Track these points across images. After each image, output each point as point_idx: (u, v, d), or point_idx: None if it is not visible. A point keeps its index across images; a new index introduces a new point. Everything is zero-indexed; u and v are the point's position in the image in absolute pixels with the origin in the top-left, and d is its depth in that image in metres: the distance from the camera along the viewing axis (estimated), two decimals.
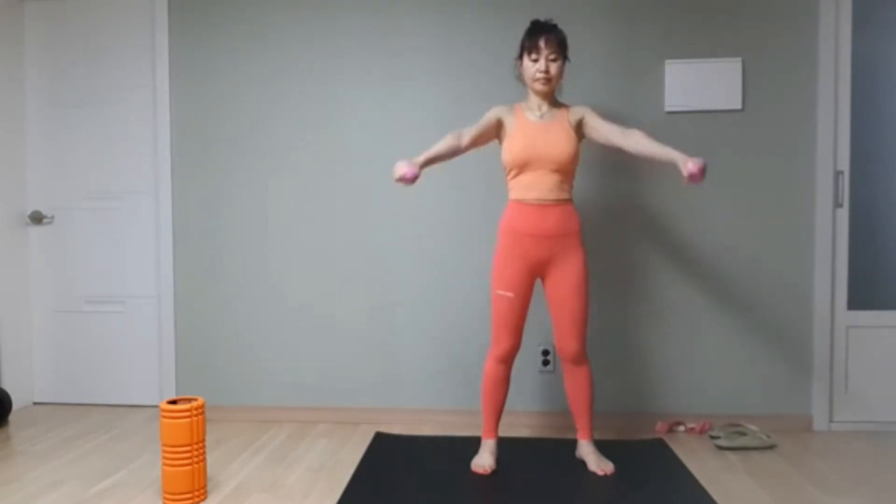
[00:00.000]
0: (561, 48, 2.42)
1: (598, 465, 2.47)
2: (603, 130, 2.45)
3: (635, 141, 2.37)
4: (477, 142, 2.49)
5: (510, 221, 2.47)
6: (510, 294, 2.45)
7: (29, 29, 3.42)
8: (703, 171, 2.19)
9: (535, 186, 2.43)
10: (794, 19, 2.97)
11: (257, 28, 3.18)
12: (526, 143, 2.41)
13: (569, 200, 2.48)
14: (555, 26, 2.44)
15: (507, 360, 2.53)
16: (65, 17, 3.39)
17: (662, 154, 2.31)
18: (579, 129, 2.49)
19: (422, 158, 2.37)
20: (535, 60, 2.41)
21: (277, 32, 3.17)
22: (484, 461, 2.50)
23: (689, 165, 2.19)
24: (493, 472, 2.48)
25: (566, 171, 2.45)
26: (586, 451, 2.53)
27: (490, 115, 2.51)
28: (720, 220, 3.01)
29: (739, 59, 2.96)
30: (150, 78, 3.33)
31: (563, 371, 2.55)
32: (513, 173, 2.47)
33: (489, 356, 2.54)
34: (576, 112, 2.49)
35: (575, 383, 2.52)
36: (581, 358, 2.49)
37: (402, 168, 2.30)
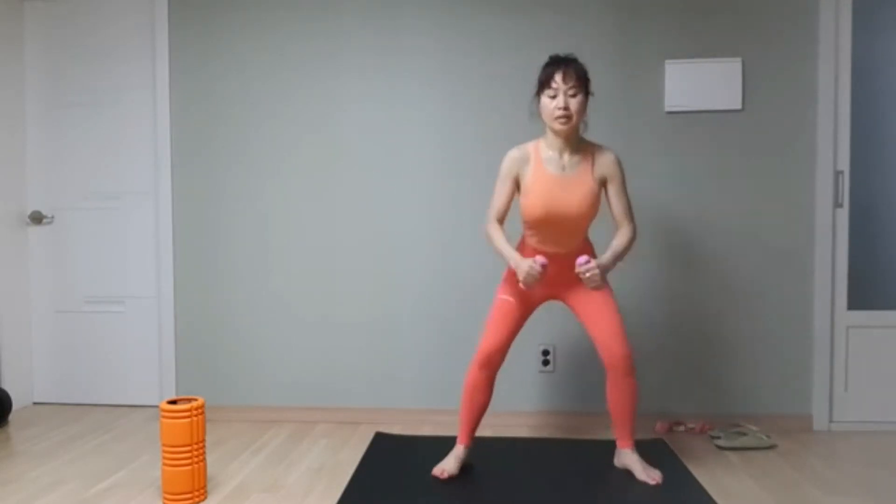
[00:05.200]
0: (581, 82, 2.22)
1: (647, 473, 2.36)
2: (614, 208, 2.36)
3: (621, 234, 2.36)
4: (507, 211, 2.39)
5: (524, 252, 2.43)
6: (512, 299, 2.41)
7: (29, 29, 3.42)
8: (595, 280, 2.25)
9: (550, 241, 2.36)
10: (794, 19, 2.96)
11: (257, 28, 3.18)
12: (544, 203, 2.27)
13: (584, 240, 2.43)
14: (574, 59, 2.25)
15: (489, 366, 2.42)
16: (65, 18, 3.39)
17: (610, 256, 2.31)
18: (604, 179, 2.33)
19: (514, 256, 2.28)
20: (553, 97, 2.22)
21: (277, 32, 3.17)
22: (445, 465, 2.44)
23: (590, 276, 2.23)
24: (492, 473, 2.47)
25: (584, 226, 2.34)
26: (631, 460, 2.41)
27: (506, 174, 2.34)
28: (720, 220, 3.01)
29: (739, 59, 2.96)
30: (150, 78, 3.33)
31: (607, 380, 2.40)
32: (528, 225, 2.37)
33: (472, 361, 2.45)
34: (602, 161, 2.32)
35: (621, 394, 2.37)
36: (630, 364, 2.34)
37: (535, 268, 2.21)
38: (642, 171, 3.03)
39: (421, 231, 3.13)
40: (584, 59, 3.01)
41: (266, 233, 3.21)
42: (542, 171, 2.30)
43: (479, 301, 3.11)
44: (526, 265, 2.20)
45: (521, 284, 2.24)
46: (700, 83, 2.97)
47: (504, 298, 2.42)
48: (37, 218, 3.43)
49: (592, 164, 2.32)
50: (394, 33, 3.12)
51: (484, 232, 2.32)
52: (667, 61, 2.99)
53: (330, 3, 3.15)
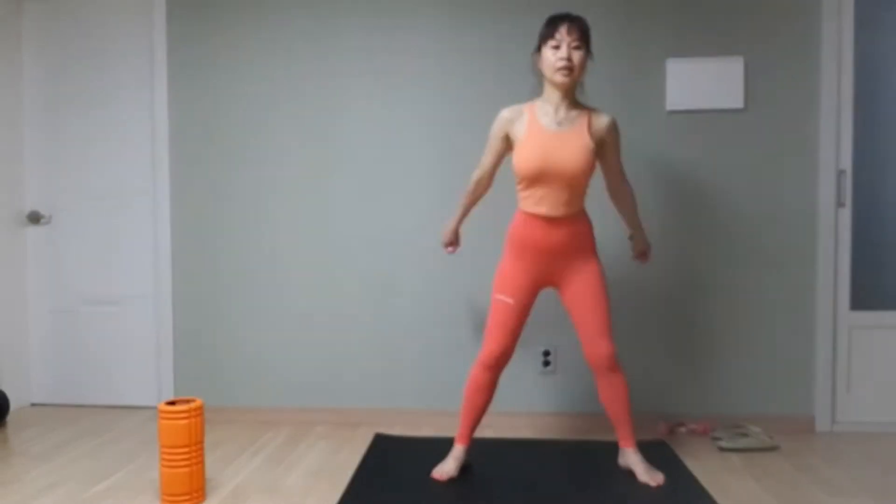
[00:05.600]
0: (584, 37, 2.21)
1: (649, 475, 2.35)
2: (611, 168, 2.39)
3: (622, 196, 2.46)
4: (496, 170, 2.43)
5: (518, 232, 2.36)
6: (510, 300, 2.37)
7: (27, 29, 3.41)
8: (648, 255, 2.58)
9: (546, 201, 2.28)
10: (797, 18, 2.95)
11: (256, 28, 3.17)
12: (538, 156, 2.23)
13: (581, 212, 2.36)
14: (578, 16, 2.24)
15: (495, 367, 2.39)
16: (63, 17, 3.37)
17: (633, 224, 2.52)
18: (599, 141, 2.31)
19: (455, 224, 2.54)
20: (556, 48, 2.19)
21: (276, 31, 3.16)
22: (445, 467, 2.43)
23: (639, 252, 2.55)
24: (493, 474, 2.45)
25: (580, 185, 2.28)
26: (634, 461, 2.39)
27: (495, 134, 2.36)
28: (721, 219, 3.00)
29: (741, 57, 2.95)
30: (148, 77, 3.31)
31: (596, 381, 2.39)
32: (523, 185, 2.32)
33: (477, 360, 2.42)
34: (600, 123, 2.30)
35: (612, 391, 2.37)
36: (614, 362, 2.34)
37: (447, 247, 2.62)
38: (643, 170, 3.01)
39: (421, 231, 3.12)
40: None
41: (265, 233, 3.19)
42: (537, 124, 2.27)
43: (480, 301, 3.09)
44: (446, 235, 2.56)
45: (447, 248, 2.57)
46: (702, 82, 2.96)
47: (500, 299, 2.38)
48: (34, 218, 3.41)
49: (589, 124, 2.29)
50: (393, 33, 3.11)
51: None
52: (668, 60, 2.97)
53: (329, 3, 3.13)
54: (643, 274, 3.03)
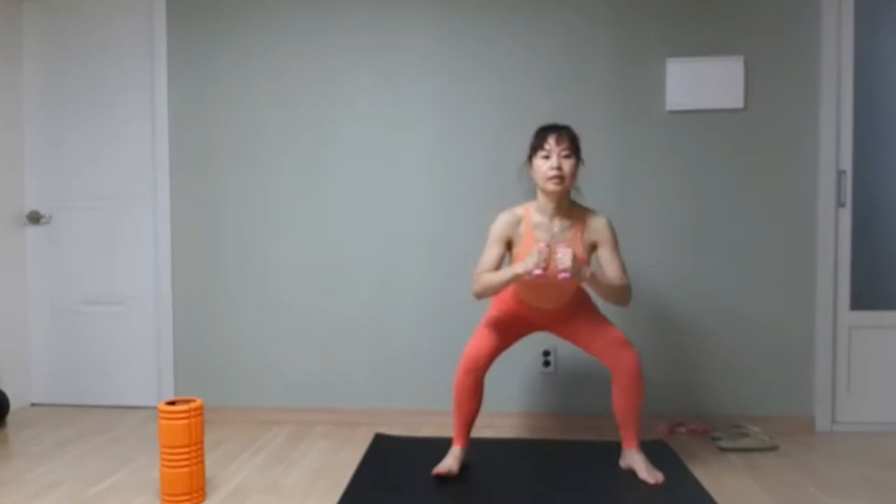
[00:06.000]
0: (573, 146, 2.26)
1: (649, 473, 2.36)
2: (607, 270, 2.30)
3: (612, 291, 2.27)
4: (501, 265, 2.34)
5: (511, 308, 2.46)
6: (502, 317, 2.47)
7: (27, 28, 3.40)
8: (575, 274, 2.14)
9: (541, 300, 2.39)
10: (797, 17, 2.95)
11: (255, 28, 3.17)
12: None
13: (578, 291, 2.45)
14: (566, 126, 2.29)
15: (474, 370, 2.40)
16: (63, 17, 3.37)
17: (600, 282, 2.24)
18: (595, 244, 2.33)
19: (512, 279, 2.21)
20: (547, 157, 2.24)
21: (276, 32, 3.16)
22: (445, 464, 2.44)
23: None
24: (493, 474, 2.45)
25: (573, 287, 2.37)
26: (636, 460, 2.42)
27: (498, 238, 2.32)
28: (722, 219, 3.00)
29: (741, 57, 2.95)
30: (148, 77, 3.31)
31: (615, 386, 2.37)
32: (517, 286, 2.40)
33: (459, 366, 2.43)
34: (594, 226, 2.31)
35: (632, 396, 2.36)
36: (637, 366, 2.33)
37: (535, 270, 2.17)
38: (644, 170, 3.01)
39: (421, 231, 3.12)
40: (585, 58, 3.02)
41: (265, 233, 3.19)
42: (532, 237, 2.31)
43: (480, 301, 3.09)
44: (533, 256, 2.13)
45: (535, 272, 2.12)
46: (702, 82, 2.96)
47: (493, 315, 2.48)
48: (34, 218, 3.41)
49: (583, 230, 2.32)
50: (393, 33, 3.11)
51: (475, 291, 2.30)
52: (668, 59, 2.97)
53: (329, 3, 3.13)
54: (643, 274, 3.03)
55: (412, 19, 3.09)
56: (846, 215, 2.95)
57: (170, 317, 3.24)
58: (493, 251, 2.33)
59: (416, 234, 3.12)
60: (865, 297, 2.98)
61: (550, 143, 2.24)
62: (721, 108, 2.97)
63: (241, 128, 3.19)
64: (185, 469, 2.19)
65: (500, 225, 2.33)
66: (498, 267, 2.33)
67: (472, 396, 2.44)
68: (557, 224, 2.31)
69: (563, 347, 3.07)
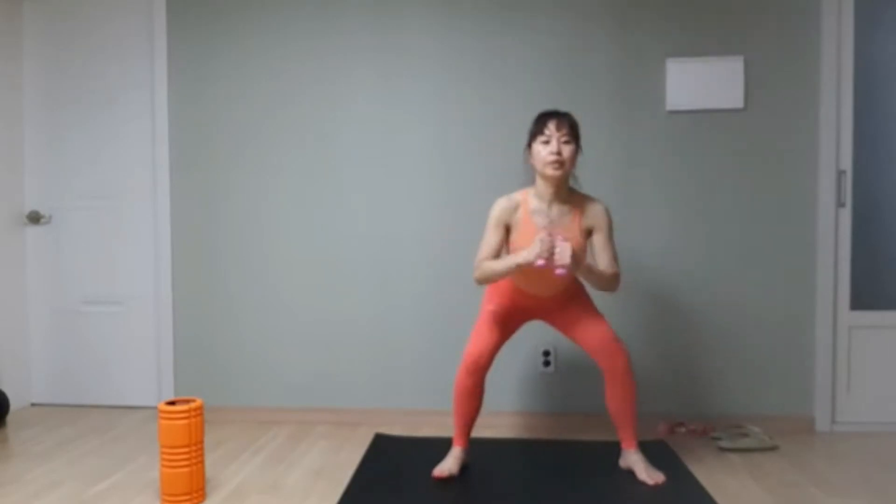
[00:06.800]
0: (573, 132, 2.26)
1: (648, 474, 2.36)
2: (598, 257, 2.32)
3: (603, 279, 2.28)
4: (500, 252, 2.36)
5: (506, 300, 2.45)
6: (498, 311, 2.46)
7: (28, 28, 3.40)
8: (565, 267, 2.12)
9: (537, 286, 2.38)
10: (797, 17, 2.95)
11: (256, 28, 3.17)
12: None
13: (573, 281, 2.45)
14: (566, 112, 2.30)
15: (475, 371, 2.40)
16: (63, 17, 3.37)
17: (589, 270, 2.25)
18: (591, 230, 2.33)
19: (521, 263, 2.19)
20: (546, 143, 2.24)
21: (276, 32, 3.16)
22: (445, 465, 2.44)
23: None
24: (493, 474, 2.45)
25: (573, 273, 2.31)
26: (634, 460, 2.42)
27: (496, 222, 2.32)
28: (721, 219, 3.00)
29: (741, 57, 2.95)
30: (148, 77, 3.31)
31: (607, 384, 2.41)
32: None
33: (460, 366, 2.43)
34: (591, 213, 2.32)
35: (623, 394, 2.38)
36: (630, 366, 2.37)
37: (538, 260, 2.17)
38: (644, 170, 3.01)
39: (420, 231, 3.12)
40: (585, 58, 3.02)
41: (264, 232, 3.19)
42: (530, 223, 2.30)
43: (479, 301, 3.09)
44: (535, 246, 2.12)
45: (538, 262, 2.11)
46: (702, 82, 2.96)
47: (490, 310, 2.46)
48: (34, 217, 3.41)
49: (581, 216, 2.32)
50: (393, 33, 3.10)
51: (476, 278, 2.32)
52: (668, 60, 2.97)
53: (329, 3, 3.13)
54: (643, 274, 3.03)
55: (412, 19, 3.10)
56: (846, 215, 2.95)
57: (170, 317, 3.24)
58: (492, 238, 2.34)
59: (416, 234, 3.12)
60: (865, 297, 2.98)
61: (550, 128, 2.25)
62: (721, 108, 2.97)
63: (241, 128, 3.19)
64: (185, 469, 2.19)
65: (498, 210, 2.33)
66: (498, 253, 2.34)
67: (473, 397, 2.44)
68: (556, 209, 2.31)
69: (563, 347, 3.07)
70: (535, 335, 3.07)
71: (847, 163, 2.94)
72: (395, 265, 3.14)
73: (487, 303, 2.49)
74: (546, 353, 3.07)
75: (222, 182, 3.21)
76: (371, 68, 3.12)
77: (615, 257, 2.34)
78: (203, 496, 2.26)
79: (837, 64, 2.92)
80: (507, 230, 2.35)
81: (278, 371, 3.20)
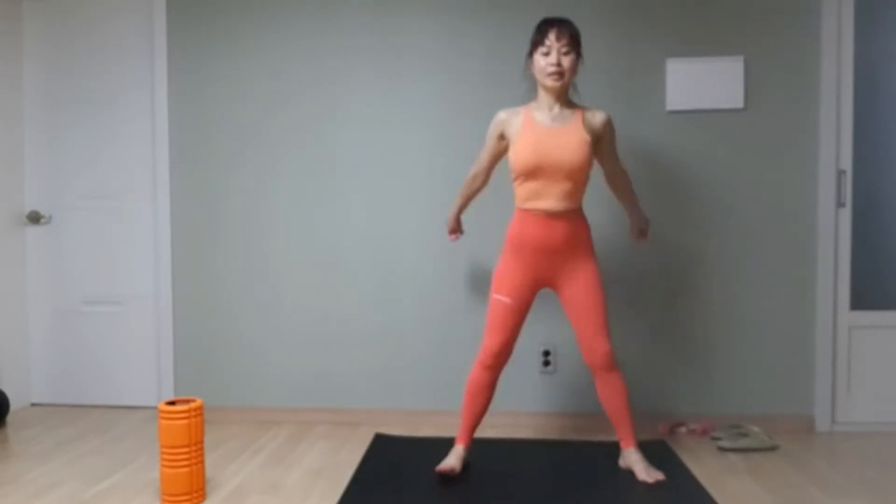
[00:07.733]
0: (573, 41, 2.26)
1: (648, 473, 2.36)
2: (608, 159, 2.45)
3: (619, 178, 2.52)
4: (492, 168, 2.51)
5: (517, 231, 2.37)
6: (508, 300, 2.38)
7: (27, 28, 3.40)
8: (646, 233, 2.61)
9: (543, 195, 2.31)
10: (797, 17, 2.95)
11: (256, 28, 3.17)
12: (534, 149, 2.27)
13: (578, 210, 2.38)
14: (567, 20, 2.29)
15: (494, 366, 2.42)
16: (63, 17, 3.37)
17: (631, 203, 2.57)
18: (595, 137, 2.35)
19: (456, 212, 2.64)
20: (546, 54, 2.25)
21: (276, 32, 3.16)
22: (448, 462, 2.43)
23: (638, 231, 2.59)
24: (493, 474, 2.45)
25: (577, 180, 2.31)
26: (633, 460, 2.41)
27: (492, 133, 2.43)
28: (722, 219, 3.00)
29: (741, 57, 2.95)
30: (148, 77, 3.31)
31: (595, 381, 2.42)
32: (520, 180, 2.34)
33: (476, 361, 2.44)
34: (595, 118, 2.35)
35: (611, 391, 2.39)
36: (612, 361, 2.37)
37: (451, 234, 2.71)
38: (644, 170, 3.01)
39: (421, 231, 3.12)
40: (585, 57, 3.01)
41: (265, 232, 3.19)
42: (533, 122, 2.34)
43: (479, 302, 3.09)
44: (449, 222, 2.66)
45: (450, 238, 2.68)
46: (702, 82, 2.96)
47: (498, 299, 2.41)
48: (34, 218, 3.41)
49: (583, 120, 2.34)
50: (393, 33, 3.10)
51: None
52: (668, 60, 2.97)
53: (329, 3, 3.13)
54: (643, 274, 3.03)
55: (412, 19, 3.09)
56: (846, 215, 2.95)
57: (170, 317, 3.24)
58: (485, 151, 2.49)
59: (416, 234, 3.12)
60: (865, 297, 2.98)
61: (550, 38, 2.25)
62: (721, 108, 2.97)
63: (241, 128, 3.19)
64: (185, 469, 2.19)
65: (494, 122, 2.43)
66: (489, 165, 2.51)
67: (487, 393, 2.45)
68: (558, 110, 2.35)
69: (563, 347, 3.07)
70: (536, 336, 3.07)
71: (847, 163, 2.94)
72: (395, 265, 3.14)
73: (496, 287, 2.41)
74: (546, 353, 3.07)
75: (222, 182, 3.21)
76: (371, 68, 3.12)
77: (618, 158, 2.49)
78: (203, 496, 2.26)
79: (837, 63, 2.92)
80: (504, 139, 2.42)
81: (278, 371, 3.20)
